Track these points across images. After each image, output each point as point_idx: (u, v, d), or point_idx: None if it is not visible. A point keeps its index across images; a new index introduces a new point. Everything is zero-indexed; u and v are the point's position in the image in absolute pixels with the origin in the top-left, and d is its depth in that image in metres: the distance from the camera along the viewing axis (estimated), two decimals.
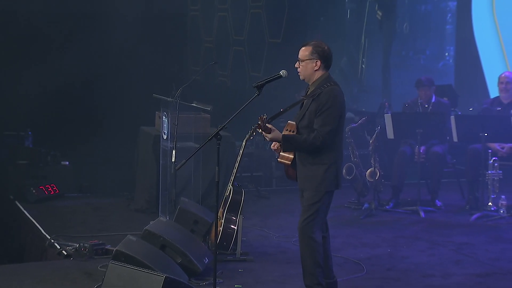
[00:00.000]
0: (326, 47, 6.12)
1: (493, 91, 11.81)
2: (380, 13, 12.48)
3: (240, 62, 13.74)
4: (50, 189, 9.86)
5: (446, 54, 13.07)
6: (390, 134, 9.45)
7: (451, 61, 13.00)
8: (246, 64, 13.50)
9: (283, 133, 6.06)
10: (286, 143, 5.97)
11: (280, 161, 6.24)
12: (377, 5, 12.58)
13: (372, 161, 9.53)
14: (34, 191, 9.71)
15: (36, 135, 11.01)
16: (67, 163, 10.47)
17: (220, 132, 6.12)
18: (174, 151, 8.23)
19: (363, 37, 12.66)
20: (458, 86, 11.91)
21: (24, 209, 9.36)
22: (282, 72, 6.11)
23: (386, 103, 9.83)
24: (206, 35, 14.89)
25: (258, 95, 6.10)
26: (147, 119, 9.96)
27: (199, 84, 13.59)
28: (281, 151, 6.17)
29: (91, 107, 12.27)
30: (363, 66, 12.69)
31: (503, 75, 9.72)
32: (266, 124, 5.95)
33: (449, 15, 13.00)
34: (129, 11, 12.70)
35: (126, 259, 6.16)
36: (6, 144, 10.90)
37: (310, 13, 12.62)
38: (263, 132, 5.96)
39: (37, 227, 8.61)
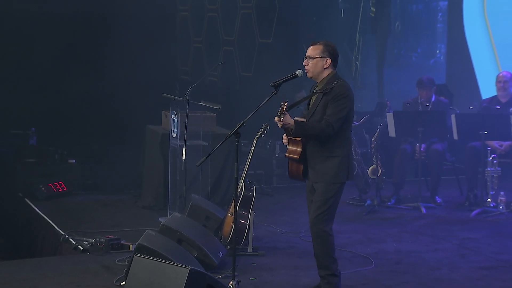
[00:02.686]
0: (335, 46, 6.36)
1: (485, 91, 12.07)
2: (374, 9, 12.69)
3: (230, 62, 13.86)
4: (58, 186, 10.04)
5: (437, 51, 13.34)
6: (392, 132, 9.69)
7: (442, 58, 13.27)
8: (237, 64, 13.61)
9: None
10: (298, 127, 6.08)
11: (288, 156, 6.28)
12: (371, 3, 12.78)
13: (374, 159, 9.75)
14: (43, 188, 9.91)
15: (41, 133, 11.15)
16: (74, 161, 10.63)
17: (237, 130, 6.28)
18: (184, 149, 8.45)
19: (357, 35, 12.86)
20: (449, 85, 12.14)
21: (35, 206, 9.53)
22: (298, 72, 6.30)
23: (388, 102, 10.06)
24: (195, 35, 14.99)
25: (275, 94, 6.27)
26: (153, 118, 10.15)
27: (189, 84, 13.72)
28: (289, 144, 6.27)
29: (95, 106, 12.41)
30: (357, 63, 12.88)
31: (501, 74, 9.96)
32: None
33: (440, 14, 13.28)
34: (132, 11, 12.90)
35: (148, 252, 6.35)
36: (12, 142, 11.05)
37: (301, 13, 12.75)
38: (281, 116, 6.02)
39: (50, 223, 8.78)
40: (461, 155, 10.13)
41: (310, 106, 6.34)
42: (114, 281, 6.65)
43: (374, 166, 9.74)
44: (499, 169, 9.50)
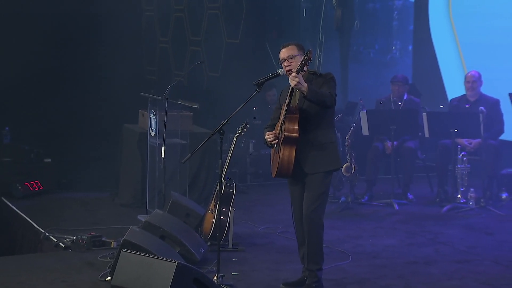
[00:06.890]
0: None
1: (450, 91, 12.32)
2: (338, 7, 12.89)
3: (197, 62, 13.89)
4: (35, 185, 10.09)
5: (393, 47, 13.65)
6: (365, 130, 9.89)
7: (397, 54, 13.60)
8: (204, 64, 13.71)
9: (281, 117, 6.32)
10: (311, 88, 6.10)
11: (288, 135, 6.22)
12: (334, 2, 12.97)
13: (348, 157, 9.94)
14: (20, 187, 9.95)
15: (16, 133, 11.16)
16: (50, 160, 10.67)
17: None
18: (163, 148, 8.56)
19: (320, 33, 13.05)
20: (416, 85, 12.36)
21: (12, 205, 9.57)
22: (280, 71, 6.45)
23: (361, 101, 10.25)
24: (162, 35, 15.05)
25: (258, 92, 6.43)
26: (129, 117, 10.24)
27: (157, 84, 13.82)
28: (285, 122, 6.24)
29: (70, 105, 12.46)
30: (320, 60, 13.07)
31: (469, 74, 10.17)
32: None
33: (396, 12, 13.59)
34: (102, 11, 12.96)
35: (133, 248, 6.45)
36: None
37: (267, 13, 12.93)
38: (300, 69, 6.10)
39: (29, 221, 8.83)
40: (431, 152, 10.37)
41: (298, 99, 6.35)
42: (99, 276, 6.75)
43: (348, 163, 9.92)
44: (469, 166, 9.72)
